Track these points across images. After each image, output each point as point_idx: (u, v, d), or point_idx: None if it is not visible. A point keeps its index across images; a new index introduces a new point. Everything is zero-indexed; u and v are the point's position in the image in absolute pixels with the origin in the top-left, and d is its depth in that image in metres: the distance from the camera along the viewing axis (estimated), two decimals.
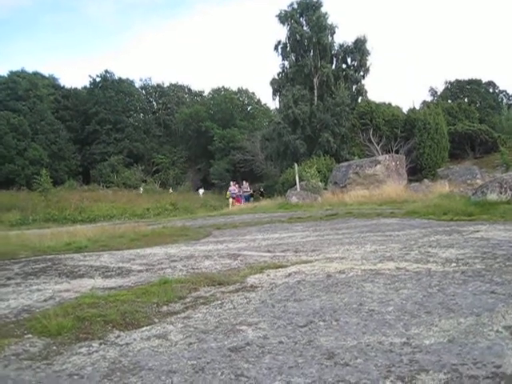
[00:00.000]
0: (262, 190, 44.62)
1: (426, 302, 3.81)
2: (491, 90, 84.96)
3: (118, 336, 3.47)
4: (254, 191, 42.21)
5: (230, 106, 73.20)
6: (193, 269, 6.14)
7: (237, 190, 33.12)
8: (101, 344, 3.32)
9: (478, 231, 8.69)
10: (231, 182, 34.95)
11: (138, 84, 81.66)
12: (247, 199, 33.83)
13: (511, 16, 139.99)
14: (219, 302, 4.28)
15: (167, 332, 3.49)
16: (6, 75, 68.23)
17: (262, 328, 3.42)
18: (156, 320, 3.81)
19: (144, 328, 3.63)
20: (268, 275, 5.37)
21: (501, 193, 12.89)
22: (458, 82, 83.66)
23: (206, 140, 68.15)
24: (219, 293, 4.63)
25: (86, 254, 8.50)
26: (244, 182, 35.73)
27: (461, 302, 3.78)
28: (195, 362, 2.87)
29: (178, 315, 3.92)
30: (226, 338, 3.24)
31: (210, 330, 3.47)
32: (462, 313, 3.49)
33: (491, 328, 3.13)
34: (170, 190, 56.57)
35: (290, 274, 5.33)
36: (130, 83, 78.12)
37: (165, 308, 4.14)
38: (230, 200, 32.02)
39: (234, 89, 78.97)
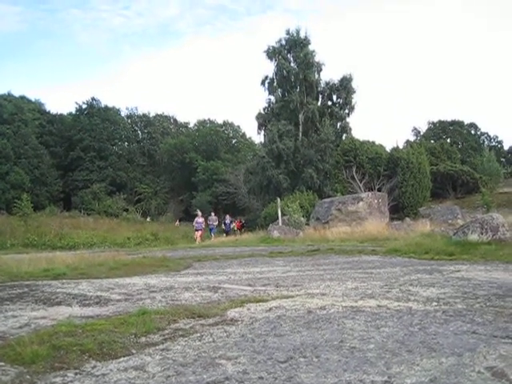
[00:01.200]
0: (243, 221, 44.46)
1: (408, 341, 3.77)
2: (473, 132, 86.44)
3: (95, 366, 3.38)
4: (240, 223, 42.23)
5: (215, 139, 73.62)
6: (172, 300, 6.05)
7: (202, 222, 30.72)
8: (76, 374, 3.23)
9: (458, 271, 8.72)
10: (198, 214, 32.27)
11: (123, 113, 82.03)
12: (212, 231, 32.77)
13: (493, 60, 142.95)
14: (198, 334, 4.20)
15: (145, 364, 3.41)
16: None
17: (241, 362, 3.35)
18: (134, 351, 3.72)
19: (121, 359, 3.54)
20: (248, 309, 5.31)
21: (482, 233, 12.96)
22: (440, 122, 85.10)
23: (190, 171, 68.26)
24: (199, 325, 4.55)
25: (64, 281, 8.37)
26: (212, 214, 34.13)
27: (442, 341, 3.75)
28: None
29: (157, 347, 3.84)
30: (204, 372, 3.17)
31: (188, 362, 3.39)
32: (444, 352, 3.46)
33: (473, 368, 3.11)
34: (148, 219, 56.38)
35: (270, 309, 5.27)
36: (116, 111, 78.36)
37: (143, 339, 4.06)
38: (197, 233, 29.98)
39: (220, 121, 79.73)
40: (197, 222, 29.96)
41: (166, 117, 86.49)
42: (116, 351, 3.69)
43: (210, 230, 33.02)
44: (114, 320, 4.66)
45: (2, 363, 3.41)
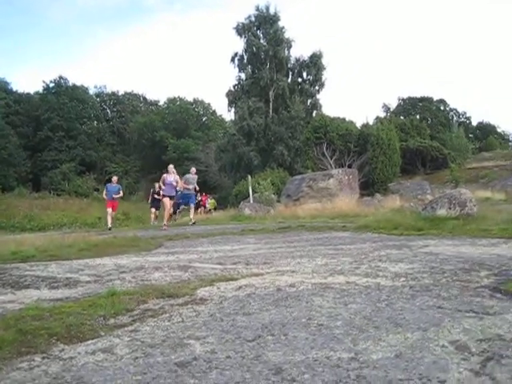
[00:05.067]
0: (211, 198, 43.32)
1: (375, 317, 3.82)
2: (442, 108, 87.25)
3: (62, 350, 3.36)
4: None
5: (186, 117, 73.18)
6: (142, 280, 6.02)
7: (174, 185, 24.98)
8: (43, 358, 3.20)
9: (427, 246, 8.83)
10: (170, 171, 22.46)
11: (92, 91, 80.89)
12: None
13: (461, 37, 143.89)
14: (168, 314, 4.19)
15: (113, 346, 3.40)
16: None
17: (209, 342, 3.36)
18: (102, 333, 3.69)
19: (89, 341, 3.51)
20: (218, 288, 5.31)
21: (450, 208, 13.13)
22: (410, 99, 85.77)
23: (160, 150, 67.85)
24: (168, 305, 4.54)
25: (32, 263, 8.27)
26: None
27: (408, 316, 3.80)
28: (140, 378, 2.79)
29: (125, 328, 3.82)
30: (173, 353, 3.17)
31: (157, 343, 3.39)
32: (410, 328, 3.51)
33: (437, 343, 3.16)
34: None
35: (240, 287, 5.28)
36: (84, 90, 77.19)
37: (112, 321, 4.03)
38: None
39: (190, 99, 79.08)
40: (166, 185, 18.11)
41: (135, 95, 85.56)
42: (84, 334, 3.66)
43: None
44: (82, 302, 4.63)
45: None
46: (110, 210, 20.68)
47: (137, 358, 3.12)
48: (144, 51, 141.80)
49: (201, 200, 39.52)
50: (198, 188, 20.68)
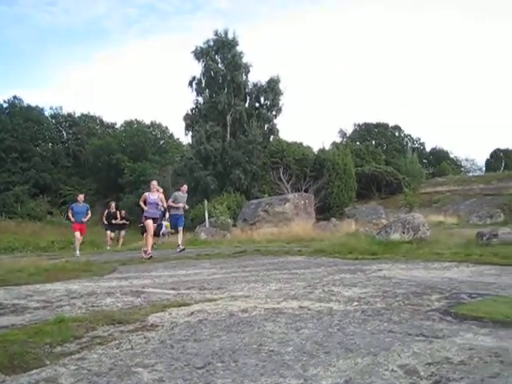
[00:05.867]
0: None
1: (326, 342, 3.82)
2: (397, 134, 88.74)
3: (3, 381, 3.22)
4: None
5: (143, 140, 72.58)
6: (93, 306, 5.90)
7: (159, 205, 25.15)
8: None
9: (380, 270, 8.92)
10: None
11: (47, 112, 79.30)
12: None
13: (415, 65, 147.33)
14: (117, 341, 4.10)
15: (58, 375, 3.29)
16: None
17: (158, 370, 3.29)
18: (47, 362, 3.58)
19: (33, 371, 3.39)
20: (170, 314, 5.24)
21: (403, 232, 13.34)
22: (366, 124, 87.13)
23: (117, 173, 67.01)
24: (118, 332, 4.45)
25: None
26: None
27: (359, 341, 3.81)
28: None
29: (72, 356, 3.71)
30: (119, 381, 3.09)
31: (103, 372, 3.30)
32: (360, 352, 3.52)
33: (387, 367, 3.17)
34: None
35: (192, 313, 5.22)
36: (39, 111, 75.85)
37: (58, 349, 3.92)
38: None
39: (147, 122, 78.51)
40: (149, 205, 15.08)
41: (91, 117, 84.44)
42: (28, 363, 3.54)
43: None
44: (28, 329, 4.49)
45: None
46: (78, 233, 18.15)
47: None
48: (101, 73, 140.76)
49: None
50: (187, 207, 18.20)
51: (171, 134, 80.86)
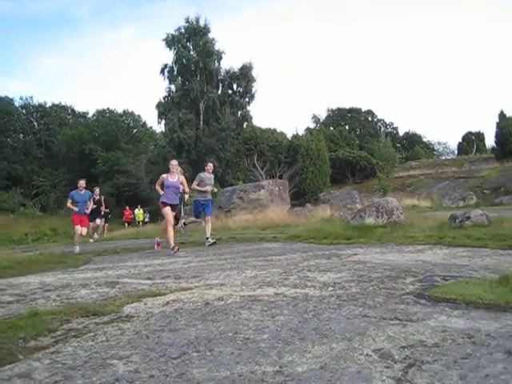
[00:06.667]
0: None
1: (301, 328, 3.82)
2: (370, 119, 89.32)
3: None
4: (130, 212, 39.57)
5: (115, 129, 72.06)
6: (67, 299, 5.83)
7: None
8: None
9: (355, 254, 8.97)
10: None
11: (17, 103, 78.25)
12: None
13: (388, 50, 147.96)
14: (92, 334, 4.05)
15: (32, 370, 3.24)
16: None
17: (133, 361, 3.27)
18: (21, 357, 3.52)
19: (6, 367, 3.32)
20: (145, 304, 5.21)
21: (377, 217, 13.43)
22: (339, 109, 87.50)
23: (90, 163, 66.46)
24: (93, 324, 4.40)
25: None
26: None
27: (334, 326, 3.82)
28: None
29: (46, 350, 3.65)
30: (94, 374, 3.06)
31: (78, 365, 3.25)
32: (335, 338, 3.53)
33: (361, 352, 3.18)
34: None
35: (167, 303, 5.19)
36: (9, 102, 74.74)
37: (32, 343, 3.86)
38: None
39: (120, 111, 77.84)
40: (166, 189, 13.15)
41: (63, 107, 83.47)
42: (1, 358, 3.47)
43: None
44: (1, 324, 4.42)
45: None
46: (78, 227, 15.15)
47: (56, 381, 2.99)
48: (72, 62, 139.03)
49: (123, 214, 38.88)
50: (215, 190, 15.86)
51: (144, 123, 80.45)
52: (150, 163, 52.58)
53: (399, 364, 2.93)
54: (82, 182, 15.72)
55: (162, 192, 12.81)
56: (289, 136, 49.85)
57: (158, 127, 69.77)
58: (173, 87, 51.60)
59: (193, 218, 15.88)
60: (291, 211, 24.99)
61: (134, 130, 78.76)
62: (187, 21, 51.19)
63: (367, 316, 4.12)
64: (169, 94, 51.98)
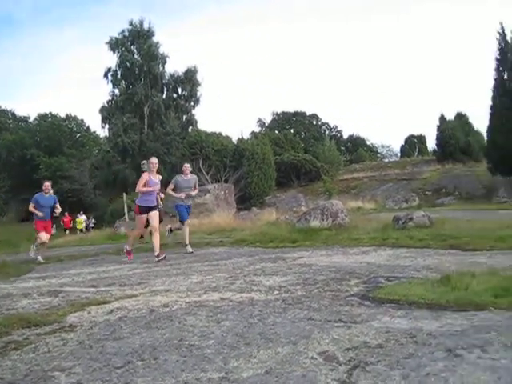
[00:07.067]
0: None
1: (247, 333, 3.81)
2: (315, 122, 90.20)
3: None
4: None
5: (58, 133, 70.57)
6: (7, 310, 5.65)
7: None
8: None
9: (301, 257, 9.05)
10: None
11: None
12: None
13: (330, 54, 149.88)
14: (33, 345, 3.92)
15: None
16: None
17: (76, 373, 3.18)
18: None
19: None
20: (89, 312, 5.10)
21: (323, 219, 13.57)
22: (284, 113, 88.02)
23: (32, 168, 64.84)
24: (34, 335, 4.27)
25: None
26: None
27: (280, 330, 3.83)
28: None
29: None
30: None
31: (18, 379, 3.13)
32: (280, 342, 3.53)
33: (307, 355, 3.20)
34: None
35: (112, 311, 5.10)
36: None
37: None
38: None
39: (62, 115, 76.30)
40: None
41: (3, 111, 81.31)
42: None
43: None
44: None
45: None
46: (43, 234, 13.30)
47: None
48: (13, 65, 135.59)
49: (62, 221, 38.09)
50: (193, 194, 13.17)
51: (88, 127, 79.03)
52: (94, 168, 51.86)
53: (344, 366, 2.96)
54: (48, 184, 13.84)
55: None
56: (234, 140, 49.89)
57: (102, 132, 68.75)
58: (117, 91, 51.03)
59: (178, 225, 14.00)
60: (237, 215, 25.00)
61: (78, 135, 77.35)
62: (131, 24, 50.72)
63: (312, 319, 4.15)
64: (112, 98, 51.33)
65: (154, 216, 11.09)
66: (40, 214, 13.28)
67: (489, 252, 8.31)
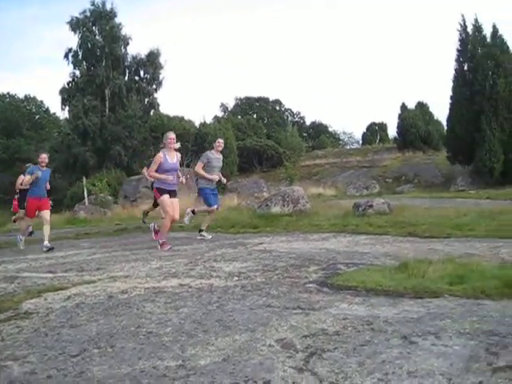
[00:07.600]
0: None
1: (205, 320, 3.80)
2: (278, 108, 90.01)
3: None
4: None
5: (16, 115, 69.01)
6: None
7: None
8: None
9: (261, 243, 9.08)
10: None
11: None
12: None
13: (295, 42, 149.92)
14: None
15: None
16: None
17: (30, 361, 3.11)
18: None
19: None
20: (46, 299, 5.01)
21: (284, 205, 13.63)
22: (247, 98, 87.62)
23: None
24: None
25: None
26: None
27: (238, 317, 3.83)
28: None
29: None
30: None
31: None
32: (239, 329, 3.53)
33: (264, 343, 3.20)
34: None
35: (69, 297, 5.02)
36: None
37: None
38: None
39: (21, 96, 74.65)
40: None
41: None
42: None
43: None
44: None
45: None
46: (28, 220, 12.29)
47: None
48: None
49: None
50: (224, 180, 12.05)
51: (47, 109, 77.40)
52: (54, 151, 50.83)
53: (301, 353, 2.97)
54: (44, 156, 11.42)
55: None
56: (196, 124, 49.59)
57: (62, 114, 67.62)
58: (77, 72, 50.02)
59: (204, 207, 11.81)
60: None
61: (37, 116, 75.77)
62: (93, 4, 49.75)
63: (271, 306, 4.16)
64: (73, 80, 50.34)
65: (176, 205, 9.97)
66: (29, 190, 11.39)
67: (446, 239, 8.47)
